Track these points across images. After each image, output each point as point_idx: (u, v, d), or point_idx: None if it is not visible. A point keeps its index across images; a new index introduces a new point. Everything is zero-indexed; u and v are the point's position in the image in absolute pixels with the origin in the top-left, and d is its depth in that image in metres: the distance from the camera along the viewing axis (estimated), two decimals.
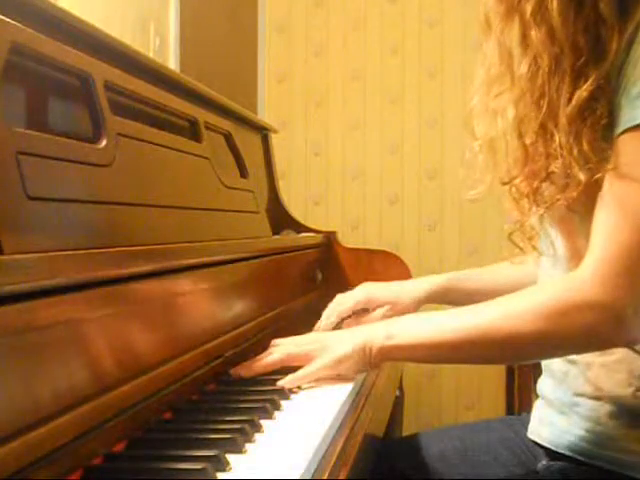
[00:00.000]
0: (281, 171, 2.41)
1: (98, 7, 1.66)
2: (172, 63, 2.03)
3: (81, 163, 0.84)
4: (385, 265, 1.99)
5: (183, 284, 0.96)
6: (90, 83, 0.94)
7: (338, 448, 0.74)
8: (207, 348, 1.00)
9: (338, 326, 1.24)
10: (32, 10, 0.92)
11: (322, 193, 2.85)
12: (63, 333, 0.67)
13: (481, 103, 0.96)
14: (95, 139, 0.91)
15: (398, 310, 1.23)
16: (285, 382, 0.96)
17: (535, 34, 0.86)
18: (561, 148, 0.85)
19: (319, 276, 1.89)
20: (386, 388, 1.14)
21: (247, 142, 1.85)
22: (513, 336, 0.86)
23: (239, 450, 0.72)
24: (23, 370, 0.61)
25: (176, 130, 1.23)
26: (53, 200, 0.76)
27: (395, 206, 2.81)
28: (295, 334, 1.08)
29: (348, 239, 2.21)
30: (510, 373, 2.54)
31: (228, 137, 1.52)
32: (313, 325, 1.26)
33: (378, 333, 0.96)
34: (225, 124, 1.51)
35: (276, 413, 0.86)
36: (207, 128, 1.35)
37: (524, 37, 0.88)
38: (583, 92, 0.84)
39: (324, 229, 2.06)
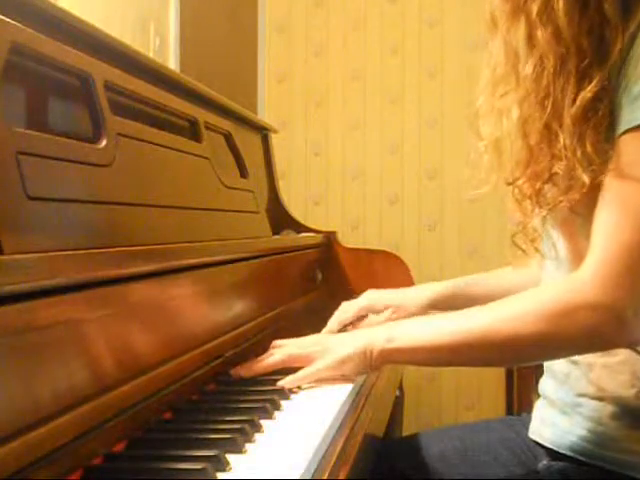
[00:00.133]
0: (281, 171, 2.41)
1: (98, 7, 1.66)
2: (172, 63, 2.03)
3: (81, 163, 0.84)
4: (385, 265, 1.99)
5: (183, 284, 0.96)
6: (90, 83, 0.94)
7: (338, 448, 0.74)
8: (207, 348, 1.00)
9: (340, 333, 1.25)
10: (32, 10, 0.92)
11: (322, 193, 2.85)
12: (63, 333, 0.67)
13: (487, 103, 0.96)
14: (95, 139, 0.91)
15: (401, 317, 1.24)
16: (285, 382, 0.96)
17: (541, 34, 0.86)
18: (565, 149, 0.85)
19: (319, 276, 1.89)
20: (386, 388, 1.14)
21: (247, 142, 1.85)
22: (513, 338, 0.86)
23: (239, 450, 0.72)
24: (23, 370, 0.61)
25: (176, 130, 1.23)
26: (53, 200, 0.76)
27: (395, 206, 2.81)
28: (295, 334, 1.08)
29: (348, 239, 2.21)
30: (510, 373, 2.54)
31: (228, 137, 1.52)
32: (313, 325, 1.26)
33: (379, 336, 0.96)
34: (225, 124, 1.51)
35: (276, 413, 0.86)
36: (207, 128, 1.35)
37: (530, 37, 0.88)
38: (587, 93, 0.84)
39: (324, 229, 2.06)
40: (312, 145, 2.85)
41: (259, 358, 1.04)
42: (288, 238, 1.94)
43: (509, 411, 2.55)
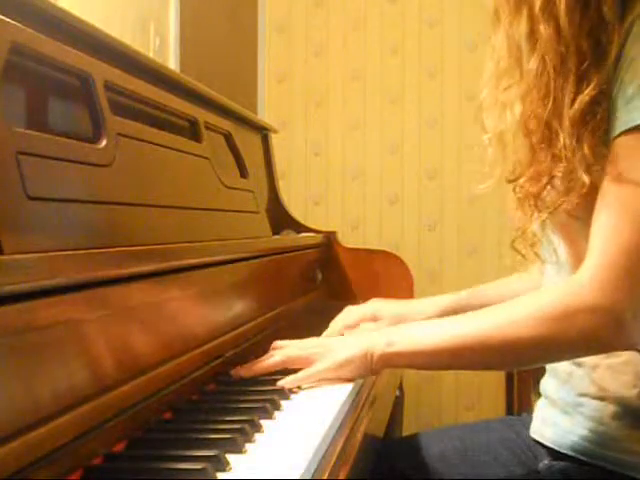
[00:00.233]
0: (281, 171, 2.41)
1: (98, 7, 1.66)
2: (172, 63, 2.03)
3: (81, 163, 0.84)
4: (385, 265, 1.99)
5: (183, 284, 0.96)
6: (90, 83, 0.94)
7: (338, 448, 0.74)
8: (207, 348, 1.00)
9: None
10: (32, 10, 0.92)
11: (322, 193, 2.85)
12: (63, 333, 0.67)
13: (490, 96, 0.96)
14: (95, 139, 0.91)
15: None
16: (285, 382, 0.96)
17: (543, 30, 0.86)
18: (565, 149, 0.85)
19: (319, 276, 1.89)
20: (386, 388, 1.14)
21: (247, 142, 1.85)
22: (513, 342, 0.86)
23: (239, 450, 0.72)
24: (23, 370, 0.61)
25: (176, 130, 1.23)
26: (53, 200, 0.76)
27: (395, 206, 2.81)
28: (295, 334, 1.08)
29: (348, 239, 2.21)
30: (510, 374, 2.54)
31: (228, 137, 1.52)
32: (313, 325, 1.26)
33: (380, 339, 0.96)
34: (225, 124, 1.51)
35: (276, 413, 0.86)
36: (207, 128, 1.35)
37: (532, 33, 0.88)
38: (585, 97, 0.84)
39: (324, 229, 2.06)
40: (312, 145, 2.85)
41: (259, 359, 1.04)
42: (288, 238, 1.94)
43: (509, 411, 2.54)
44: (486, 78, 0.97)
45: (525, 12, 0.88)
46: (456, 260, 2.77)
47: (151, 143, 1.06)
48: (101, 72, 0.97)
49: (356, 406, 0.91)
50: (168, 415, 0.86)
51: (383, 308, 1.27)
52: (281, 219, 2.06)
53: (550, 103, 0.86)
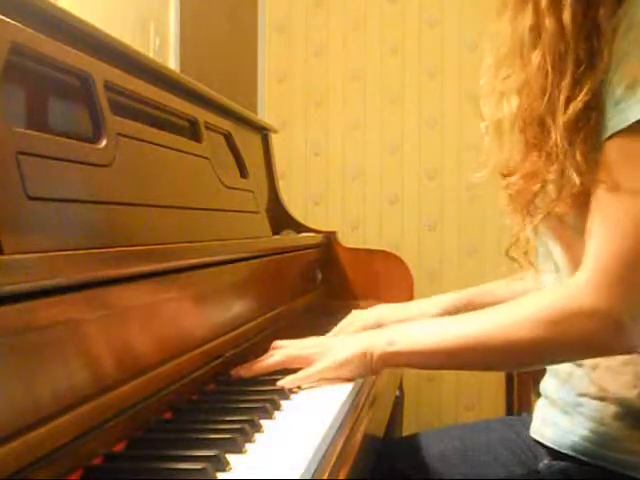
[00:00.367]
0: (281, 171, 2.41)
1: (98, 7, 1.66)
2: (172, 63, 2.03)
3: (81, 163, 0.84)
4: (385, 265, 1.99)
5: (183, 284, 0.96)
6: (90, 83, 0.94)
7: (338, 448, 0.74)
8: (207, 348, 1.00)
9: None
10: (32, 10, 0.92)
11: (322, 193, 2.85)
12: (63, 333, 0.67)
13: (489, 84, 0.96)
14: (95, 139, 0.91)
15: None
16: (285, 382, 0.96)
17: (547, 25, 0.86)
18: (556, 147, 0.85)
19: (319, 276, 1.89)
20: (386, 388, 1.14)
21: (247, 142, 1.85)
22: (512, 343, 0.86)
23: (239, 450, 0.72)
24: (23, 370, 0.61)
25: (176, 130, 1.23)
26: (53, 200, 0.76)
27: (395, 206, 2.81)
28: (295, 334, 1.08)
29: (348, 239, 2.21)
30: (510, 374, 2.54)
31: (228, 137, 1.52)
32: (313, 325, 1.26)
33: (380, 339, 0.96)
34: (225, 124, 1.51)
35: (276, 413, 0.86)
36: (207, 128, 1.35)
37: (536, 26, 0.87)
38: (578, 103, 0.83)
39: (324, 229, 2.06)
40: (312, 145, 2.85)
41: (259, 359, 1.04)
42: (288, 238, 1.94)
43: (509, 411, 2.55)
44: (486, 66, 0.96)
45: (532, 5, 0.88)
46: (456, 260, 2.77)
47: (151, 143, 1.06)
48: (101, 72, 0.97)
49: (356, 406, 0.91)
50: (168, 415, 0.86)
51: (386, 314, 1.27)
52: (281, 219, 2.06)
53: (545, 99, 0.86)
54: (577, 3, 0.85)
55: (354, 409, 0.89)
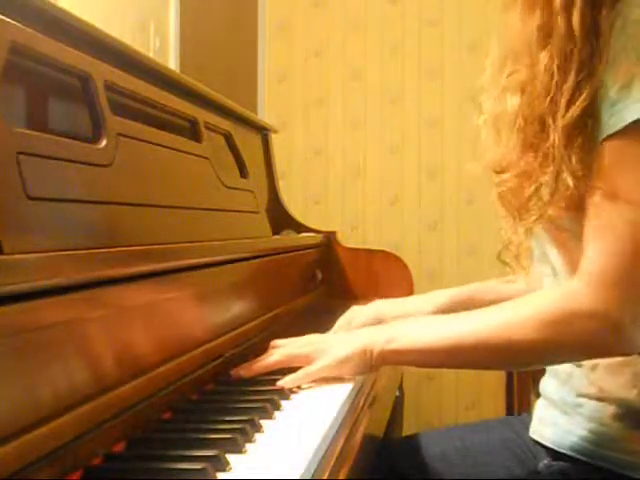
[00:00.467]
0: (281, 171, 2.41)
1: (98, 7, 1.66)
2: (172, 63, 2.03)
3: (81, 163, 0.84)
4: (385, 265, 1.99)
5: (183, 284, 0.96)
6: (90, 83, 0.94)
7: (338, 448, 0.74)
8: (207, 348, 1.00)
9: None
10: (32, 10, 0.92)
11: (322, 193, 2.85)
12: (63, 333, 0.67)
13: (492, 78, 0.96)
14: (95, 139, 0.91)
15: None
16: (285, 382, 0.96)
17: (559, 23, 0.85)
18: (553, 148, 0.85)
19: (319, 276, 1.89)
20: (386, 388, 1.14)
21: (247, 142, 1.85)
22: (511, 344, 0.86)
23: (239, 450, 0.72)
24: (23, 370, 0.61)
25: (176, 130, 1.23)
26: (53, 200, 0.76)
27: (395, 206, 2.81)
28: (295, 334, 1.08)
29: (348, 239, 2.21)
30: (510, 374, 2.54)
31: (228, 137, 1.52)
32: (313, 325, 1.26)
33: (379, 337, 0.96)
34: (225, 124, 1.51)
35: (276, 413, 0.86)
36: (207, 128, 1.35)
37: (547, 24, 0.86)
38: (577, 109, 0.83)
39: (324, 229, 2.06)
40: (312, 145, 2.85)
41: (258, 358, 1.04)
42: (288, 238, 1.94)
43: (509, 411, 2.55)
44: (492, 58, 0.96)
45: (544, 4, 0.87)
46: (456, 260, 2.77)
47: (151, 143, 1.06)
48: (101, 72, 0.97)
49: (356, 406, 0.91)
50: (168, 415, 0.86)
51: (386, 309, 1.27)
52: (281, 219, 2.06)
53: (548, 100, 0.86)
54: (586, 4, 0.84)
55: (354, 409, 0.89)
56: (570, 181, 0.83)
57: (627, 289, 0.81)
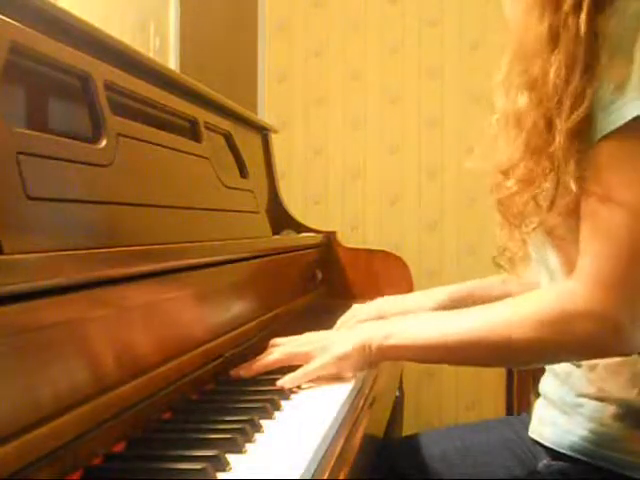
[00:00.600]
0: (281, 171, 2.41)
1: (98, 7, 1.66)
2: (172, 63, 2.03)
3: (81, 163, 0.84)
4: (385, 265, 1.99)
5: (183, 284, 0.96)
6: (90, 83, 0.94)
7: (338, 448, 0.74)
8: (207, 348, 1.00)
9: None
10: (32, 10, 0.92)
11: (322, 193, 2.85)
12: (63, 333, 0.67)
13: (505, 75, 0.95)
14: (95, 139, 0.91)
15: None
16: (285, 382, 0.96)
17: (570, 23, 0.85)
18: (558, 150, 0.84)
19: (319, 276, 1.89)
20: (386, 388, 1.14)
21: (247, 142, 1.85)
22: (511, 342, 0.86)
23: (239, 450, 0.72)
24: (23, 370, 0.61)
25: (176, 130, 1.23)
26: (53, 200, 0.76)
27: (395, 206, 2.81)
28: (295, 334, 1.08)
29: (348, 239, 2.21)
30: (510, 374, 2.54)
31: (228, 137, 1.52)
32: (313, 325, 1.26)
33: (378, 332, 0.96)
34: (225, 124, 1.51)
35: (276, 413, 0.86)
36: (207, 128, 1.35)
37: (558, 25, 0.86)
38: (580, 113, 0.83)
39: (324, 229, 2.06)
40: (312, 145, 2.85)
41: (258, 357, 1.04)
42: (288, 238, 1.94)
43: (509, 411, 2.55)
44: (507, 57, 0.95)
45: (556, 5, 0.86)
46: (456, 260, 2.77)
47: (151, 143, 1.06)
48: (101, 72, 0.97)
49: (356, 406, 0.91)
50: (168, 415, 0.86)
51: (387, 307, 1.27)
52: (281, 219, 2.06)
53: (555, 101, 0.86)
54: (593, 5, 0.84)
55: (354, 409, 0.89)
56: (572, 185, 0.83)
57: (624, 290, 0.81)
